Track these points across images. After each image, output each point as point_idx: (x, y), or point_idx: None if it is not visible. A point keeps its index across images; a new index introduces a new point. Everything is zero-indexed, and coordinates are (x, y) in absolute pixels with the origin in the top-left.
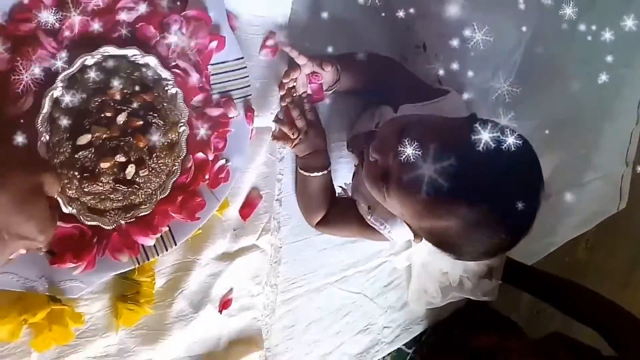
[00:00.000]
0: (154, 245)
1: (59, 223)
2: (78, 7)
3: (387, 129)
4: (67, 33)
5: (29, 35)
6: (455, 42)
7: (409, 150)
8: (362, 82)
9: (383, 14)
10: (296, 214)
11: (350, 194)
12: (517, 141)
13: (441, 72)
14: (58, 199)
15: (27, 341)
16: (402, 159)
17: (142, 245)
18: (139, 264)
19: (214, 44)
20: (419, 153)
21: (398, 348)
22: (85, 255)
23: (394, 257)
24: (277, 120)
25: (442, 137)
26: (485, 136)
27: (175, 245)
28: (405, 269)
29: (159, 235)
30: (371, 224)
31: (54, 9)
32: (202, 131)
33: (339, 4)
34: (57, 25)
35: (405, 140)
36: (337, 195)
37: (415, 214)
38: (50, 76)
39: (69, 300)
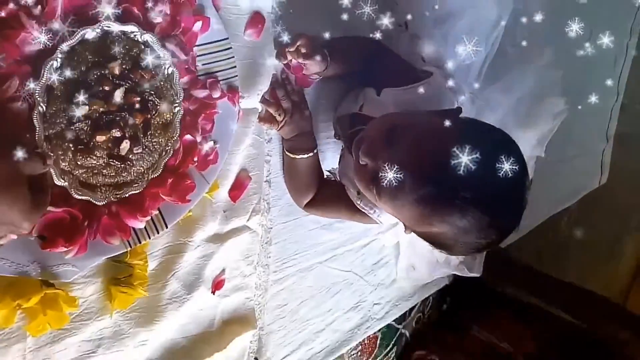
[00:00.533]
0: (145, 227)
1: (49, 208)
2: None
3: (374, 131)
4: (49, 15)
5: (10, 18)
6: (435, 20)
7: (398, 157)
8: (348, 68)
9: None
10: (285, 194)
11: (338, 178)
12: (504, 141)
13: (426, 50)
14: (51, 171)
15: (22, 326)
16: (390, 164)
17: (134, 228)
18: (130, 247)
19: (198, 24)
20: (408, 160)
21: (388, 324)
22: (77, 239)
23: (382, 235)
24: (263, 100)
25: (429, 143)
26: (471, 141)
27: (166, 227)
28: (394, 246)
29: (149, 217)
30: (360, 209)
31: None
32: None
33: None
34: (38, 8)
35: (394, 146)
36: (325, 177)
37: (406, 220)
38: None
39: (63, 284)
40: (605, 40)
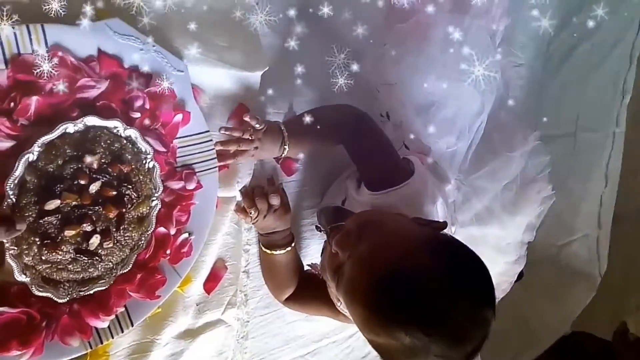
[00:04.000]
0: (109, 326)
1: (3, 309)
2: (34, 88)
3: (350, 223)
4: (22, 113)
5: None
6: (416, 110)
7: (361, 254)
8: (331, 139)
9: (352, 83)
10: (264, 285)
11: (319, 273)
12: (477, 277)
13: (411, 136)
14: (12, 264)
15: None
16: (354, 262)
17: (96, 328)
18: (91, 347)
19: (178, 117)
20: (369, 260)
21: None
22: (32, 341)
23: None
24: (243, 192)
25: (395, 250)
26: (439, 263)
27: (132, 326)
28: None
29: (113, 316)
30: (341, 311)
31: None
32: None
33: (311, 76)
34: (11, 105)
35: (362, 242)
36: (305, 270)
37: (357, 321)
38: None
39: None
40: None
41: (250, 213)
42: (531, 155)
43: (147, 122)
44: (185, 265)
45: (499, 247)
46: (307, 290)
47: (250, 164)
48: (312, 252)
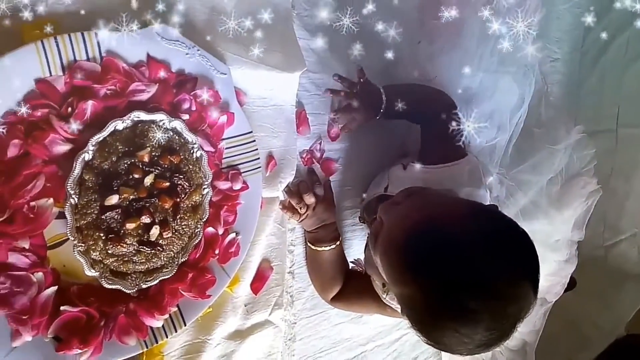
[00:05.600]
0: (163, 326)
1: (65, 307)
2: (90, 93)
3: (398, 195)
4: (78, 117)
5: (41, 120)
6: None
7: (402, 213)
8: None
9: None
10: (310, 286)
11: (363, 269)
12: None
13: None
14: (81, 260)
15: None
16: (395, 215)
17: (151, 327)
18: (147, 347)
19: (223, 119)
20: (411, 214)
21: None
22: (92, 340)
23: None
24: (287, 191)
25: (438, 210)
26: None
27: (185, 325)
28: None
29: (167, 315)
30: (387, 303)
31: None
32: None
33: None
34: (69, 109)
35: (405, 204)
36: (350, 268)
37: (387, 271)
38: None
39: None
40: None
41: (300, 209)
42: (575, 149)
43: (193, 122)
44: (233, 265)
45: (548, 244)
46: (353, 287)
47: (292, 165)
48: (355, 253)
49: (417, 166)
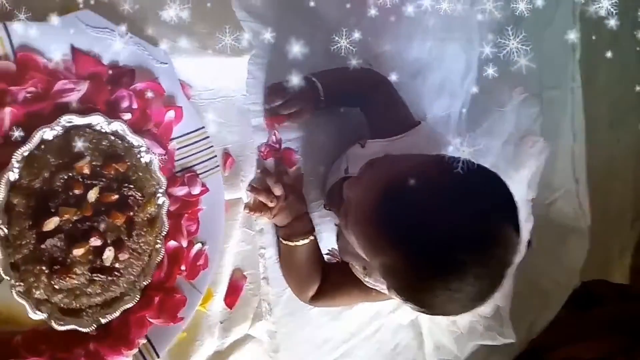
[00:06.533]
0: None
1: None
2: (7, 99)
3: (361, 169)
4: None
5: None
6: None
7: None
8: (344, 97)
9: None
10: (287, 290)
11: (339, 258)
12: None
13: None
14: (23, 302)
15: None
16: (362, 186)
17: None
18: None
19: (170, 115)
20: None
21: None
22: None
23: (394, 315)
24: (251, 189)
25: (404, 166)
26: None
27: (158, 357)
28: (410, 326)
29: (136, 350)
30: (370, 285)
31: None
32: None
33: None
34: None
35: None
36: (326, 261)
37: (362, 244)
38: None
39: None
40: None
41: (272, 202)
42: (521, 108)
43: (138, 121)
44: (203, 279)
45: None
46: (332, 280)
47: (252, 160)
48: (326, 245)
49: (375, 141)
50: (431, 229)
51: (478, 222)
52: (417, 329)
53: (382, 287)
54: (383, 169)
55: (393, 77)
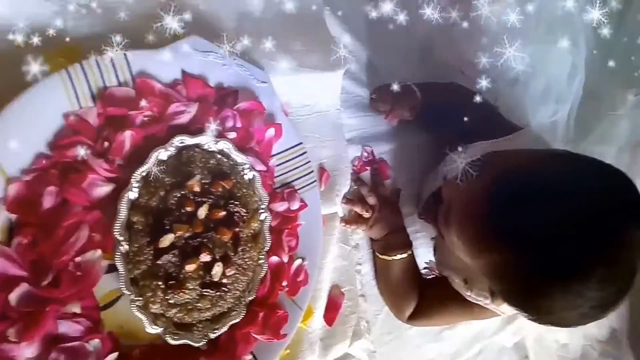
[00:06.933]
0: None
1: None
2: (126, 123)
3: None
4: (117, 152)
5: (76, 161)
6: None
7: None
8: (442, 109)
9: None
10: (385, 307)
11: (437, 272)
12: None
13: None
14: (141, 317)
15: None
16: (467, 186)
17: None
18: None
19: (271, 132)
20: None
21: None
22: None
23: (497, 336)
24: (346, 201)
25: (515, 161)
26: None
27: None
28: (515, 349)
29: None
30: (472, 300)
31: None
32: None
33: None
34: (105, 144)
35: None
36: (424, 276)
37: (467, 244)
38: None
39: None
40: None
41: (367, 212)
42: (636, 112)
43: (241, 140)
44: (304, 295)
45: None
46: (431, 298)
47: (347, 174)
48: (423, 259)
49: (477, 144)
50: (549, 222)
51: (605, 220)
52: (523, 351)
53: (485, 301)
54: (491, 161)
55: (488, 86)
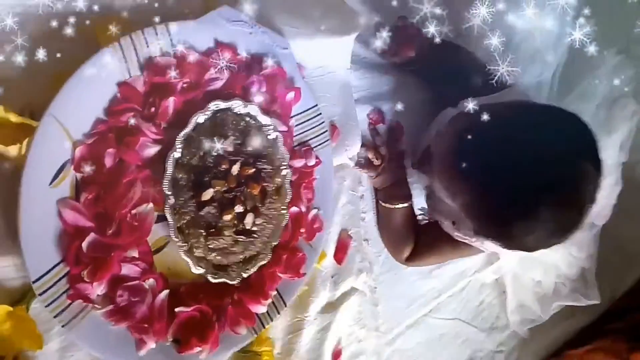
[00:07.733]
0: (267, 311)
1: (180, 309)
2: (169, 89)
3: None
4: (162, 116)
5: (129, 125)
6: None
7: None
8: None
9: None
10: (384, 250)
11: (430, 217)
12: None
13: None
14: (187, 260)
15: None
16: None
17: (256, 314)
18: (256, 333)
19: (291, 95)
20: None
21: None
22: (209, 336)
23: (479, 274)
24: (362, 145)
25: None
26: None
27: (286, 306)
28: (495, 285)
29: (270, 300)
30: (461, 239)
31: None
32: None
33: None
34: (152, 109)
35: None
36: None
37: (451, 189)
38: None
39: None
40: None
41: (377, 160)
42: (615, 71)
43: (267, 104)
44: (319, 240)
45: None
46: (425, 241)
47: (354, 130)
48: (417, 205)
49: (469, 100)
50: (504, 162)
51: (560, 157)
52: (502, 287)
53: (470, 239)
54: (464, 115)
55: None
